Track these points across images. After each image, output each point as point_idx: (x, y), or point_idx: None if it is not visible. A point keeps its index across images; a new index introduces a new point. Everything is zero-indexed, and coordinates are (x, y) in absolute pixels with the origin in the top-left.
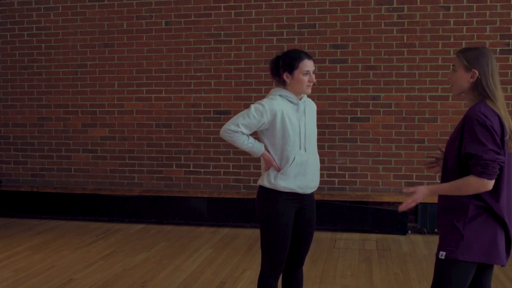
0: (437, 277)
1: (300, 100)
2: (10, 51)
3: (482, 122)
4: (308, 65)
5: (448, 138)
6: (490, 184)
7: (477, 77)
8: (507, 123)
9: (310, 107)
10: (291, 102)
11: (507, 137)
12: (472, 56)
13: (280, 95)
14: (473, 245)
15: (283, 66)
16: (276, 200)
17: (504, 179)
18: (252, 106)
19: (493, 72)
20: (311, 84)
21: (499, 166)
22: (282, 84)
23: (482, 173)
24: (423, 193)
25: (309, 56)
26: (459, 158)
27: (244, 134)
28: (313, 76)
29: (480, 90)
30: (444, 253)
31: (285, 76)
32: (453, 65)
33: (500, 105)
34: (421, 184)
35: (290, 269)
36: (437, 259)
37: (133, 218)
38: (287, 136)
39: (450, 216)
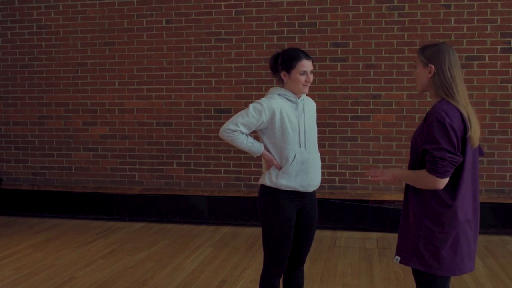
0: None
1: (299, 98)
2: (10, 50)
3: (441, 120)
4: (305, 65)
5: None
6: (440, 182)
7: (434, 72)
8: (471, 120)
9: (309, 106)
10: (289, 100)
11: (469, 134)
12: (430, 52)
13: (278, 94)
14: (434, 249)
15: (281, 65)
16: (277, 199)
17: (465, 176)
18: (251, 106)
19: (450, 67)
20: (308, 84)
21: (452, 165)
22: (281, 82)
23: (432, 170)
24: (387, 176)
25: (307, 56)
26: (421, 156)
27: (243, 133)
28: (311, 76)
29: (439, 85)
30: (399, 257)
31: (283, 74)
32: (414, 62)
33: (462, 100)
34: None
35: (291, 268)
36: (413, 270)
37: (134, 216)
38: (286, 135)
39: (409, 218)
